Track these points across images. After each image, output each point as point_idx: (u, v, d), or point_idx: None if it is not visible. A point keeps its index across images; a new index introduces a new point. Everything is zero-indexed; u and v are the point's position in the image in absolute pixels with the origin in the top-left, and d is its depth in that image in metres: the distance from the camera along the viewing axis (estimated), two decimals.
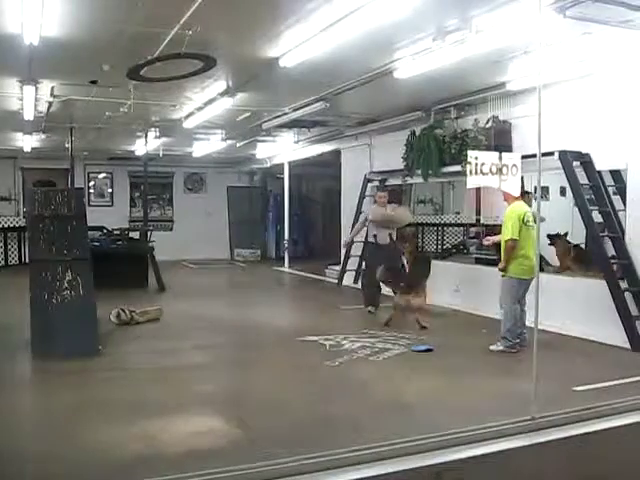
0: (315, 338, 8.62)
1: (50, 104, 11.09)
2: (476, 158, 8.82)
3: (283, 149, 17.75)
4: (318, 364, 7.42)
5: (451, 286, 11.24)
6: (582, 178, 9.03)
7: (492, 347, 8.04)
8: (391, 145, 13.01)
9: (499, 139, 10.22)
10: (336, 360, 7.58)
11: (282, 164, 19.00)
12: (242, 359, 7.89)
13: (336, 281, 14.93)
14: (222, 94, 10.34)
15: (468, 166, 8.99)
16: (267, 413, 5.88)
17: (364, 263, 11.25)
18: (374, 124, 13.54)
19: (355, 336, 8.82)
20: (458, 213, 17.93)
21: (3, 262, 18.54)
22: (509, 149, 9.70)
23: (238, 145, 16.53)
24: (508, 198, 8.13)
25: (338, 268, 15.14)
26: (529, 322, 7.95)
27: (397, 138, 12.67)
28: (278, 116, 12.56)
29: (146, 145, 15.30)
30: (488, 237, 9.15)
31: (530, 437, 3.01)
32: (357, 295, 13.16)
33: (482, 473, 2.80)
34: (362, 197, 14.15)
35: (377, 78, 9.19)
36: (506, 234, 7.98)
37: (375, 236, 10.66)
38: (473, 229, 16.22)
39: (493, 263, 11.08)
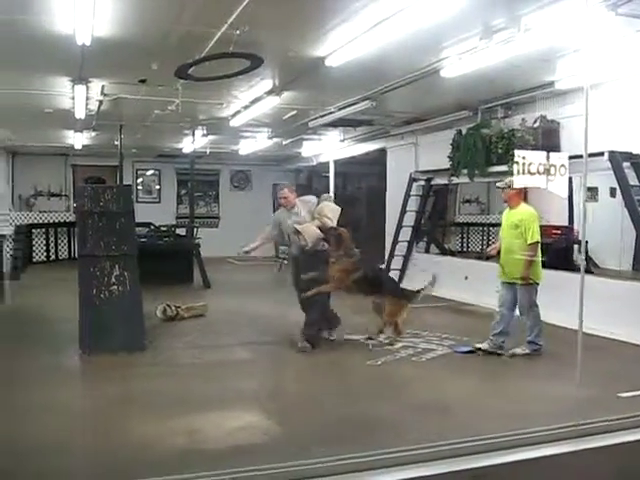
0: (358, 337, 8.61)
1: (100, 103, 11.27)
2: (523, 158, 8.70)
3: (329, 147, 17.75)
4: (360, 363, 7.42)
5: (494, 287, 11.09)
6: (632, 179, 8.85)
7: (517, 350, 7.82)
8: (437, 144, 12.91)
9: (547, 139, 10.07)
10: (378, 360, 7.57)
11: (327, 162, 18.99)
12: (285, 356, 7.91)
13: None
14: (268, 93, 10.38)
15: (515, 166, 8.85)
16: (308, 411, 5.90)
17: (291, 277, 8.85)
18: (420, 123, 13.45)
19: (398, 336, 8.77)
20: None
21: (53, 256, 18.89)
22: (557, 149, 9.55)
23: (284, 143, 16.58)
24: (514, 199, 7.91)
25: (383, 267, 15.07)
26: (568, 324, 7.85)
27: (443, 137, 12.56)
28: (324, 115, 12.56)
29: (193, 143, 15.44)
30: (492, 247, 8.70)
31: (574, 443, 2.95)
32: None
33: (523, 478, 2.76)
34: (407, 196, 14.08)
35: (423, 77, 9.13)
36: (532, 237, 7.68)
37: (303, 246, 8.33)
38: None
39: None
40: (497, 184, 8.35)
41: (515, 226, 7.80)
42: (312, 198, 8.73)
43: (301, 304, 8.39)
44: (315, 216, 8.32)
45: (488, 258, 8.78)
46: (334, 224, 8.28)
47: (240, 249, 8.72)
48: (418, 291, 8.50)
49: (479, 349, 7.85)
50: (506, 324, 7.85)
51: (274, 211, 9.42)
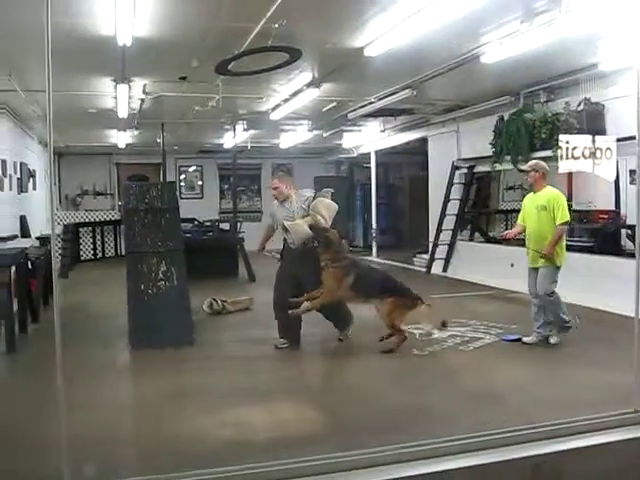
0: (404, 327, 8.57)
1: (142, 101, 11.40)
2: (567, 142, 8.58)
3: (369, 138, 17.70)
4: (407, 352, 7.39)
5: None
6: None
7: (552, 340, 7.68)
8: (479, 131, 12.78)
9: (591, 122, 9.86)
10: (426, 349, 7.54)
11: (368, 153, 18.94)
12: (331, 347, 7.91)
13: (425, 269, 14.81)
14: (308, 85, 10.38)
15: (559, 151, 8.72)
16: (356, 401, 5.90)
17: (276, 277, 8.03)
18: (461, 110, 13.33)
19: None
20: None
21: (100, 254, 19.18)
22: (602, 132, 9.35)
23: (324, 135, 16.58)
24: (539, 182, 7.71)
25: (426, 256, 15.02)
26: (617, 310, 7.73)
27: (485, 124, 12.44)
28: (364, 105, 12.52)
29: (234, 138, 15.53)
30: (506, 233, 8.44)
31: (633, 430, 2.90)
32: (447, 283, 13.05)
33: (582, 466, 2.73)
34: (450, 185, 14.00)
35: (463, 64, 9.03)
36: (562, 216, 7.45)
37: (285, 241, 7.92)
38: None
39: (586, 250, 10.81)
40: (520, 167, 8.21)
41: (543, 207, 7.57)
42: (307, 192, 8.15)
43: (280, 299, 7.74)
44: (309, 212, 7.80)
45: (505, 241, 8.44)
46: (328, 222, 7.76)
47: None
48: (420, 298, 7.64)
49: (525, 343, 7.69)
50: (546, 313, 7.72)
51: None
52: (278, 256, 7.98)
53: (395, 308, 7.45)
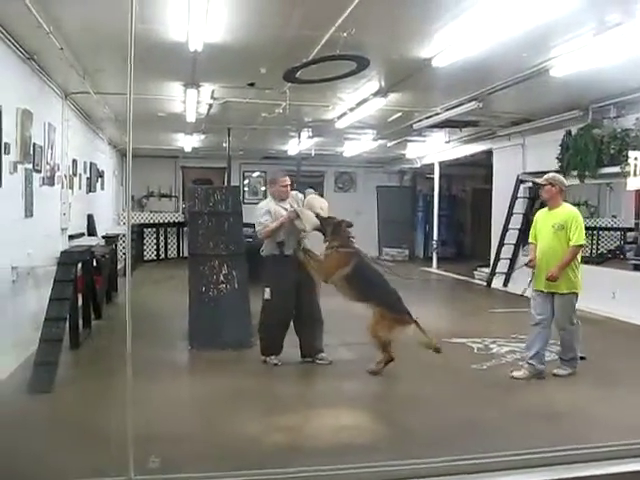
0: (463, 340, 8.54)
1: (210, 106, 11.60)
2: (637, 159, 8.39)
3: (433, 149, 17.62)
4: (465, 367, 7.35)
5: (605, 292, 10.74)
6: None
7: (558, 371, 7.15)
8: (545, 145, 12.62)
9: None
10: (483, 364, 7.49)
11: (432, 164, 18.86)
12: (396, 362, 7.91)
13: (485, 283, 14.68)
14: (374, 94, 10.41)
15: (628, 167, 8.53)
16: (411, 412, 5.90)
17: (267, 290, 7.57)
18: (528, 124, 13.17)
19: (504, 340, 8.66)
20: (615, 217, 17.13)
21: (163, 255, 19.53)
22: None
23: (388, 145, 16.58)
24: (555, 198, 7.13)
25: (487, 270, 14.88)
26: None
27: (552, 138, 12.27)
28: (430, 116, 12.49)
29: (299, 145, 15.66)
30: (530, 259, 7.36)
31: None
32: (507, 298, 12.90)
33: None
34: (514, 198, 13.85)
35: (532, 77, 8.94)
36: (578, 238, 6.95)
37: (281, 244, 7.59)
38: (631, 234, 15.46)
39: None
40: (536, 180, 7.70)
41: (560, 227, 7.01)
42: (298, 193, 8.04)
43: (271, 314, 7.47)
44: (304, 209, 7.64)
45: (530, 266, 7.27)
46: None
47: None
48: (412, 318, 7.03)
49: (515, 378, 7.00)
50: (543, 342, 7.11)
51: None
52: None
53: (382, 320, 6.99)
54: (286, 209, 7.62)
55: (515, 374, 7.06)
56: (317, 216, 7.42)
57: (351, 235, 7.44)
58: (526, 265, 7.35)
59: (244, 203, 19.81)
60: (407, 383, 6.95)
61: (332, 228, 7.35)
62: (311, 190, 8.26)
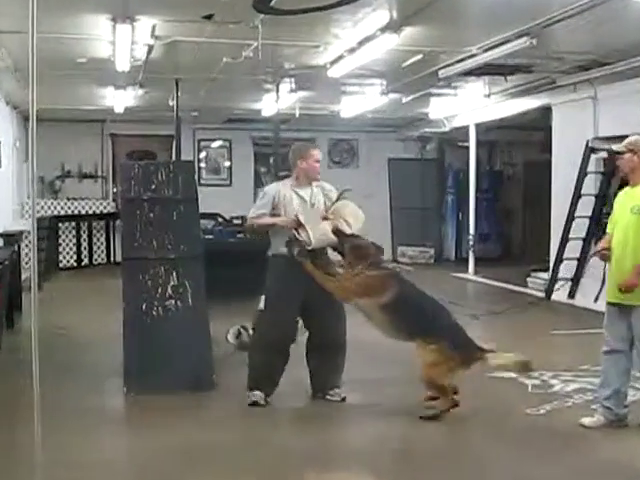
0: (512, 374, 8.56)
1: (150, 48, 11.54)
2: None
3: (468, 106, 17.65)
4: (516, 411, 7.41)
5: None
6: None
7: None
8: (626, 98, 12.68)
9: None
10: (541, 407, 7.52)
11: (466, 127, 18.90)
12: (412, 400, 7.92)
13: (543, 294, 14.71)
14: (383, 30, 10.41)
15: None
16: (445, 472, 5.95)
17: (263, 298, 7.89)
18: (601, 69, 13.21)
19: (571, 374, 8.71)
20: None
21: (86, 260, 19.46)
22: None
23: (404, 101, 16.60)
24: (638, 172, 6.84)
25: (546, 276, 14.91)
26: None
27: (635, 88, 12.33)
28: (462, 60, 12.50)
29: (277, 102, 15.63)
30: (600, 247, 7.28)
31: None
32: (574, 315, 12.96)
33: None
34: (583, 174, 13.88)
35: (605, 1, 8.96)
36: None
37: (291, 242, 7.59)
38: None
39: None
40: (613, 146, 7.46)
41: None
42: (329, 185, 8.09)
43: (270, 334, 7.64)
44: (328, 216, 7.73)
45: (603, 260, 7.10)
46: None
47: None
48: (485, 350, 7.23)
49: (582, 426, 6.94)
50: (623, 377, 6.90)
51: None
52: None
53: (441, 360, 7.08)
54: (305, 201, 7.73)
55: (585, 421, 6.99)
56: (336, 232, 7.48)
57: (380, 255, 7.67)
58: (596, 255, 7.28)
59: (201, 185, 19.94)
60: (438, 434, 6.98)
61: (353, 251, 7.43)
62: (349, 190, 8.12)
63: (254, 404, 7.52)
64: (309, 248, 7.43)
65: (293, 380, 7.88)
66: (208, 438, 6.73)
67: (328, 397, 7.76)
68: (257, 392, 7.60)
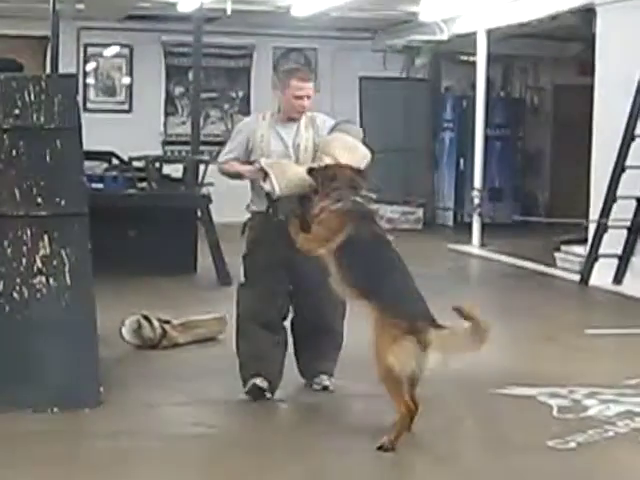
0: (531, 391, 8.62)
1: None
2: None
3: (476, 4, 17.69)
4: (536, 443, 7.40)
5: None
6: None
7: None
8: None
9: None
10: (570, 439, 7.54)
11: (473, 35, 18.94)
12: (386, 420, 7.99)
13: (578, 276, 14.80)
14: None
15: None
16: None
17: (243, 267, 8.53)
18: None
19: (612, 391, 8.75)
20: None
21: None
22: None
23: None
24: None
25: (583, 251, 14.99)
26: None
27: None
28: None
29: None
30: None
31: None
32: (620, 306, 13.07)
33: None
34: (639, 106, 13.92)
35: None
36: None
37: (272, 197, 8.09)
38: None
39: None
40: None
41: None
42: (323, 116, 8.73)
43: (258, 322, 8.32)
44: (317, 155, 8.21)
45: None
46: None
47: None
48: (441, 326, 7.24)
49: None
50: None
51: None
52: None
53: (385, 328, 7.27)
54: (284, 142, 8.26)
55: None
56: (310, 171, 7.84)
57: (359, 185, 7.83)
58: None
59: (87, 110, 19.86)
60: (429, 473, 7.03)
61: (323, 179, 7.75)
62: (346, 121, 8.72)
63: (256, 391, 8.11)
64: (275, 197, 7.93)
65: None
66: (83, 475, 6.70)
67: (314, 386, 8.52)
68: (258, 379, 8.13)
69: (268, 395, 8.19)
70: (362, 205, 7.76)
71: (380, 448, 7.07)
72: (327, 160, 7.89)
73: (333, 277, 7.63)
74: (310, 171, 7.84)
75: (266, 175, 7.87)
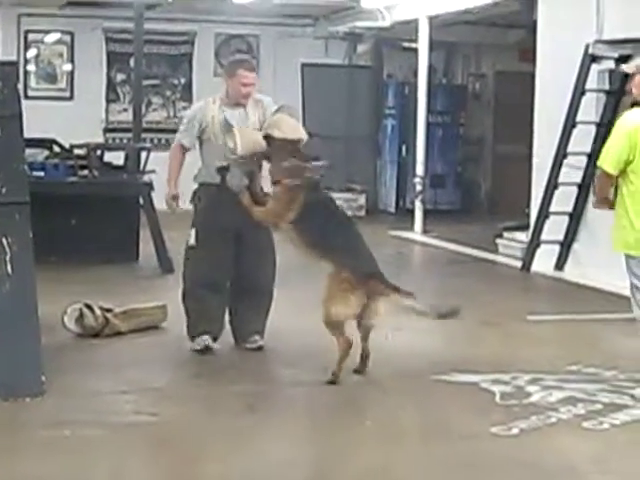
0: (473, 378, 8.64)
1: None
2: None
3: None
4: (479, 431, 7.41)
5: None
6: None
7: None
8: None
9: None
10: (513, 425, 7.56)
11: (414, 22, 18.95)
12: (339, 413, 7.98)
13: (520, 263, 14.87)
14: None
15: None
16: None
17: (192, 233, 9.45)
18: None
19: (555, 377, 8.79)
20: None
21: None
22: None
23: None
24: None
25: (524, 237, 15.05)
26: None
27: None
28: None
29: None
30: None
31: None
32: (562, 293, 13.13)
33: None
34: (580, 92, 13.98)
35: None
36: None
37: (223, 170, 9.25)
38: None
39: None
40: (623, 67, 7.95)
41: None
42: (268, 99, 9.86)
43: (207, 287, 9.35)
44: (265, 130, 9.20)
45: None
46: None
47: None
48: (397, 289, 8.34)
49: None
50: None
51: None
52: None
53: (341, 287, 8.21)
54: (230, 125, 9.20)
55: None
56: (265, 136, 8.96)
57: (308, 164, 8.91)
58: (600, 206, 8.10)
59: (27, 97, 19.76)
60: (375, 464, 7.01)
61: (276, 149, 8.85)
62: (289, 106, 9.87)
63: (205, 349, 9.23)
64: (236, 154, 8.96)
65: None
66: (31, 469, 6.65)
67: (247, 345, 9.47)
68: (204, 336, 9.24)
69: (216, 347, 9.26)
70: (311, 177, 8.72)
71: (331, 382, 8.17)
72: (276, 133, 8.82)
73: (294, 242, 8.75)
74: (266, 137, 8.86)
75: (230, 134, 8.99)
